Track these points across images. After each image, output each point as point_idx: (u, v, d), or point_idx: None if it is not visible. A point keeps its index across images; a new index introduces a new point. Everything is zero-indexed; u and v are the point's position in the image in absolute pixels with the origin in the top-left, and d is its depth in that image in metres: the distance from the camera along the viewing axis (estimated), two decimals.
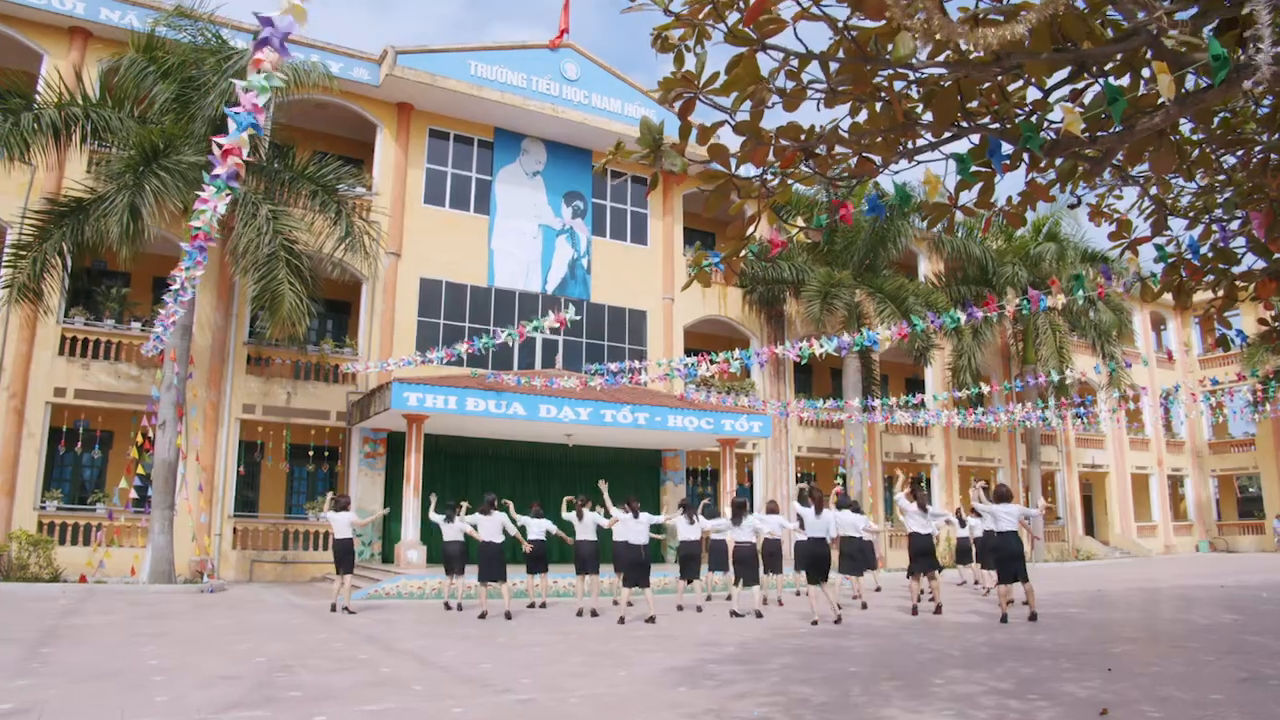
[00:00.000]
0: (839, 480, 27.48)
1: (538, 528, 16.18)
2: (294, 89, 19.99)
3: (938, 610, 14.15)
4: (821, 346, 13.05)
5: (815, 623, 12.83)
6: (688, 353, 28.55)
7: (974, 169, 4.95)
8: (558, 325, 13.68)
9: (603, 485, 14.77)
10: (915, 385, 33.64)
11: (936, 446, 31.94)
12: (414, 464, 20.11)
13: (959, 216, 5.60)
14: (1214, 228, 7.63)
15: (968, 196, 5.24)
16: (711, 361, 15.07)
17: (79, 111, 17.81)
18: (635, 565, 13.74)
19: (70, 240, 18.16)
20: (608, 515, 14.67)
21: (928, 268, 32.06)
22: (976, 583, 19.75)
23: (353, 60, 23.22)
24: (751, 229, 5.59)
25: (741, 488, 28.47)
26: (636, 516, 13.98)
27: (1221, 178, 7.55)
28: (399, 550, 19.89)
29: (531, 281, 24.90)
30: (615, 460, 25.13)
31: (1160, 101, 5.53)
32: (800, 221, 27.17)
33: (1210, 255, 7.43)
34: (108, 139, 18.73)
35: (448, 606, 15.59)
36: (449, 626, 12.80)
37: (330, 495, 17.48)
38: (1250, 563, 31.14)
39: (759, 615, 14.13)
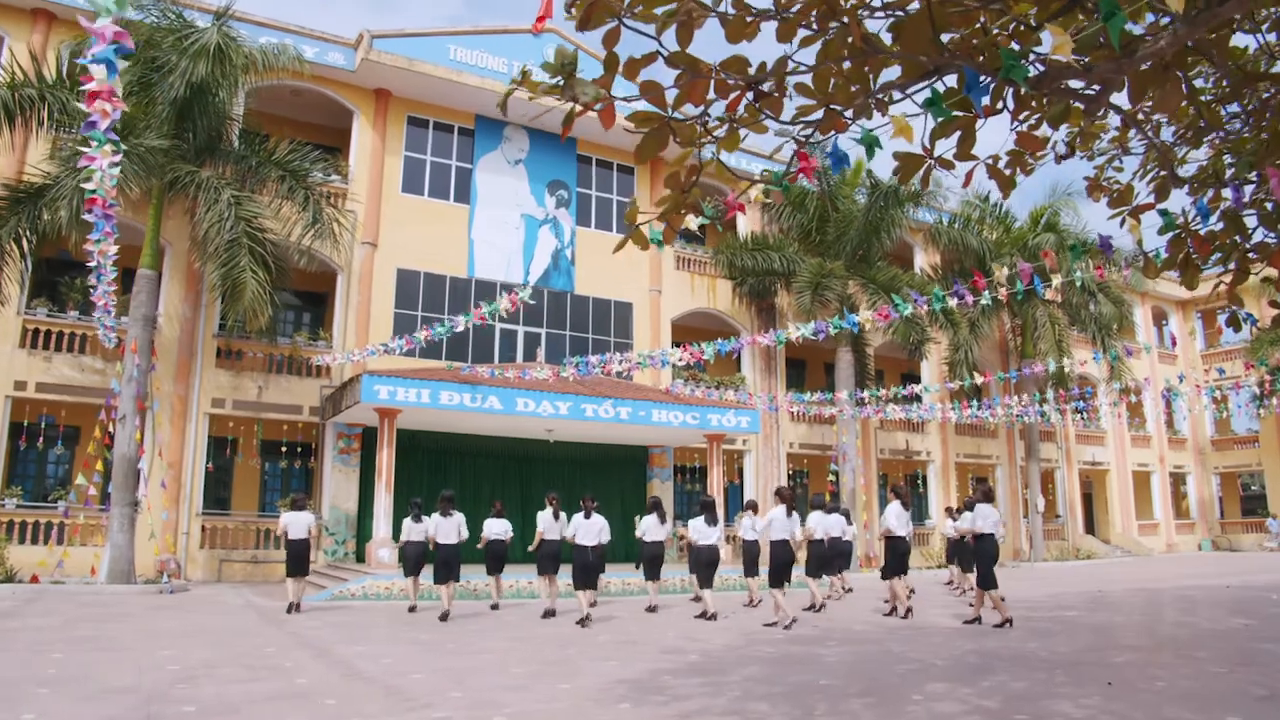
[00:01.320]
0: (832, 478, 26.46)
1: (499, 528, 15.24)
2: (263, 73, 19.10)
3: (906, 615, 13.18)
4: (799, 330, 12.05)
5: (789, 626, 11.84)
6: (675, 346, 27.58)
7: (951, 112, 4.04)
8: (510, 307, 12.69)
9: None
10: (912, 381, 32.48)
11: (933, 443, 30.88)
12: (386, 459, 19.11)
13: (952, 201, 4.66)
14: (1224, 193, 6.66)
15: (945, 147, 4.31)
16: (690, 359, 14.08)
17: (34, 94, 16.86)
18: (584, 568, 12.79)
19: (28, 227, 17.26)
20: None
21: (924, 260, 31.02)
22: (949, 582, 19.17)
23: (328, 45, 22.26)
24: (692, 180, 4.71)
25: (732, 485, 27.48)
26: (589, 517, 13.00)
27: (1233, 133, 6.58)
28: (370, 549, 18.87)
29: (513, 272, 23.91)
30: (600, 457, 24.13)
31: (1166, 22, 4.54)
32: (760, 188, 26.18)
33: (1219, 227, 6.49)
34: (66, 122, 17.78)
35: (413, 609, 14.67)
36: (401, 630, 11.81)
37: (293, 496, 16.50)
38: (1254, 562, 30.01)
39: (711, 618, 13.11)
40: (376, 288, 22.38)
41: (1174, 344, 32.75)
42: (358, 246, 22.22)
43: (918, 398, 28.15)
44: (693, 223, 5.45)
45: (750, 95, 4.25)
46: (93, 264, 11.49)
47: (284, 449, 21.39)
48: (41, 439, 19.46)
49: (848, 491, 25.17)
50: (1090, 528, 36.92)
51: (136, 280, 18.37)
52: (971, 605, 14.46)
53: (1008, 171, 4.88)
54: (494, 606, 15.19)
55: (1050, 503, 34.57)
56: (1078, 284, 28.65)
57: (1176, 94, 5.08)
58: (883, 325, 14.72)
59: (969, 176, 4.85)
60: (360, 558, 20.86)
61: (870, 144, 5.07)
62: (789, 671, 8.50)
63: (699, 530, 13.55)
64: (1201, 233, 6.43)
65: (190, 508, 20.10)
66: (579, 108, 3.91)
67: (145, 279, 18.34)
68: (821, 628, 12.11)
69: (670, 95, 4.20)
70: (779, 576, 12.24)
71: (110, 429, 18.02)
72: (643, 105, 4.13)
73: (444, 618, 13.14)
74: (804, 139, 4.68)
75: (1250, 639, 10.76)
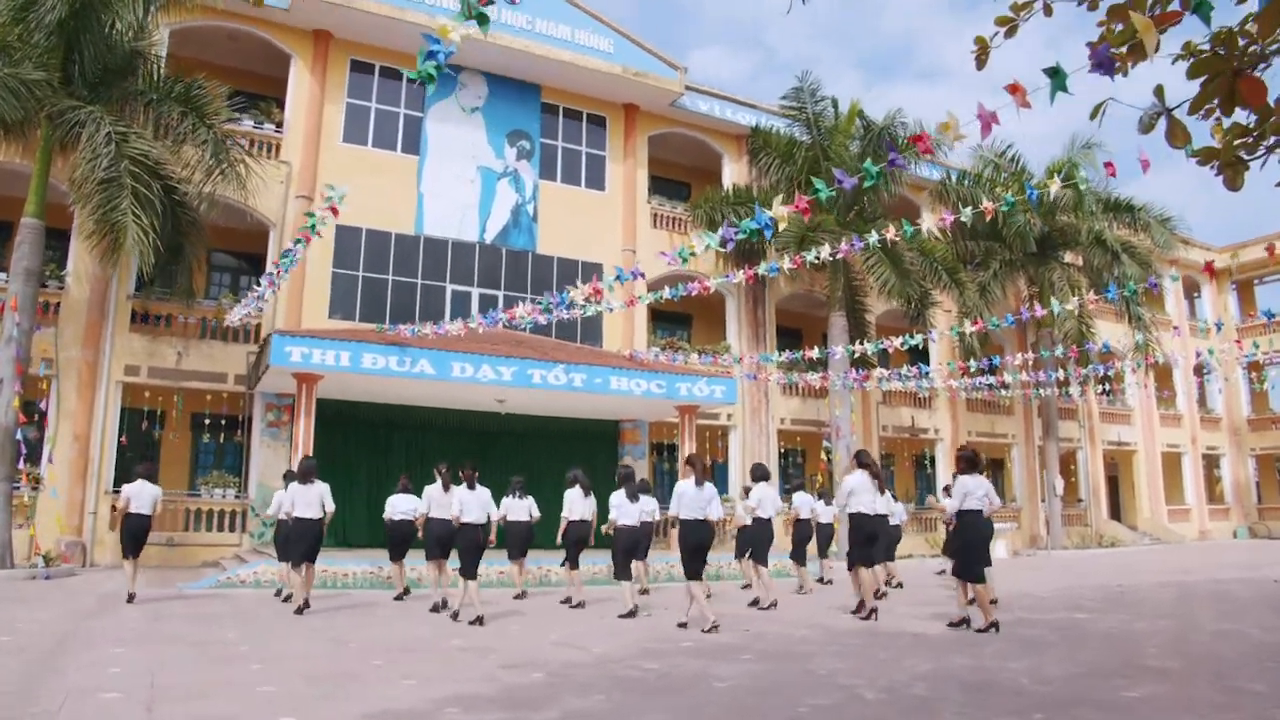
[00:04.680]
0: (825, 456, 23.36)
1: (405, 505, 12.46)
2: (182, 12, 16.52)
3: (870, 616, 10.18)
4: (706, 239, 9.07)
5: (713, 629, 8.90)
6: (653, 313, 24.58)
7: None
8: (331, 214, 9.89)
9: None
10: (920, 355, 29.21)
11: (942, 420, 27.56)
12: (303, 430, 16.34)
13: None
14: None
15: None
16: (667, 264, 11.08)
17: None
18: (472, 549, 9.97)
19: None
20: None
21: (931, 221, 27.60)
22: (942, 571, 16.14)
23: None
24: None
25: (718, 465, 24.45)
26: (473, 489, 10.18)
27: None
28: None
29: (467, 229, 20.99)
30: (564, 432, 21.19)
31: None
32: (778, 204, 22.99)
33: None
34: None
35: (279, 594, 12.05)
36: (214, 627, 8.90)
37: (140, 465, 13.65)
38: None
39: (632, 614, 10.29)
40: (313, 245, 19.45)
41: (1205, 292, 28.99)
42: (292, 200, 19.46)
43: (924, 355, 25.01)
44: None
45: None
46: None
47: (207, 421, 18.72)
48: None
49: (842, 470, 22.01)
50: (1115, 513, 33.32)
51: (19, 229, 15.81)
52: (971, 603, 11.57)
53: None
54: (398, 598, 12.46)
55: (1072, 485, 31.05)
56: (1103, 241, 25.28)
57: None
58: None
59: None
60: None
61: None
62: (649, 703, 5.57)
63: (617, 508, 10.67)
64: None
65: (99, 485, 17.48)
66: None
67: (29, 228, 15.75)
68: (753, 632, 9.13)
69: None
70: (690, 564, 9.33)
71: None
72: None
73: (300, 609, 10.44)
74: None
75: None
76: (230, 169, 16.33)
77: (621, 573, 10.54)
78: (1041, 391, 25.18)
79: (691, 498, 9.30)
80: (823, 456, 23.52)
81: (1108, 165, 8.85)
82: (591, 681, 6.43)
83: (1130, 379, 28.08)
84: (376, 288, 19.93)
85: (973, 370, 21.82)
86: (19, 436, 15.36)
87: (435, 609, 10.85)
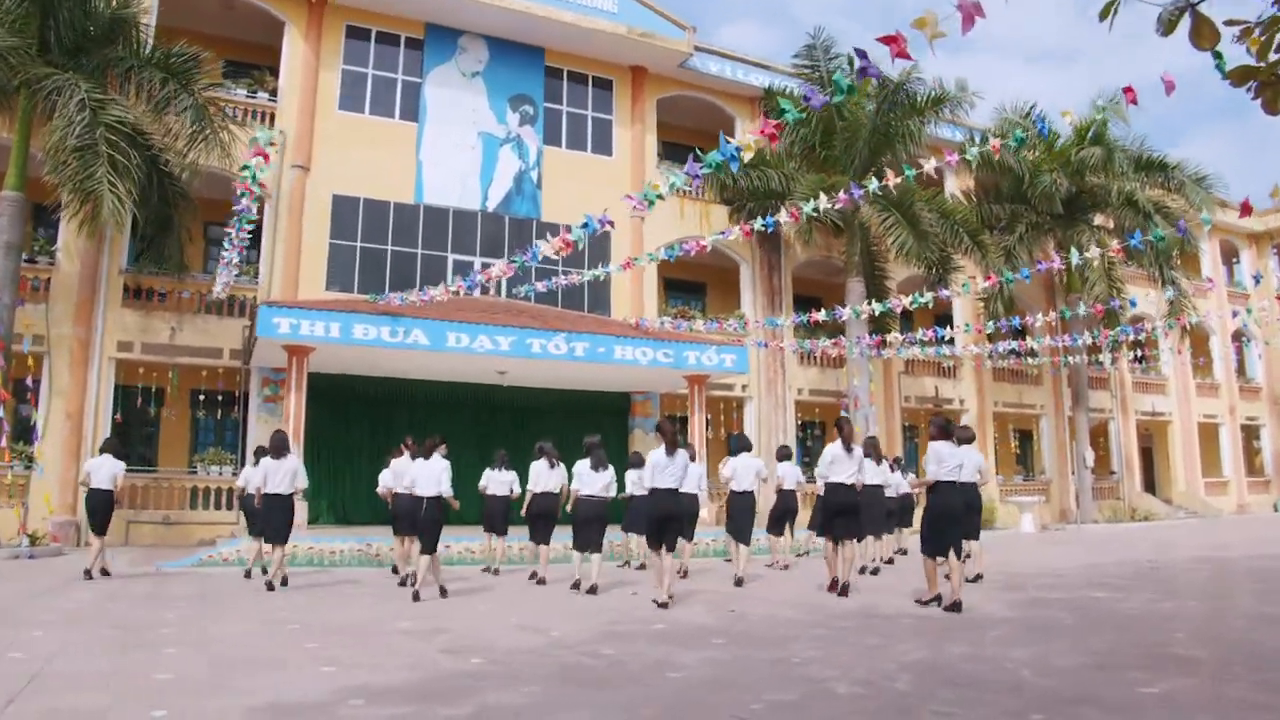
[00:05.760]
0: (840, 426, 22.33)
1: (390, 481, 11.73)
2: None
3: (840, 591, 9.37)
4: (668, 179, 8.15)
5: (666, 604, 8.16)
6: (665, 283, 23.68)
7: None
8: (563, 251, 9.49)
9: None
10: (945, 322, 28.04)
11: (967, 390, 26.39)
12: (294, 404, 15.75)
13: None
14: None
15: None
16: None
17: None
18: (427, 523, 9.29)
19: None
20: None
21: (955, 184, 26.42)
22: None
23: None
24: None
25: (735, 437, 23.49)
26: (428, 458, 9.43)
27: None
28: None
29: (469, 198, 20.14)
30: (571, 405, 20.39)
31: None
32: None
33: None
34: None
35: (248, 575, 11.39)
36: (178, 606, 8.21)
37: (106, 439, 13.10)
38: None
39: (593, 591, 9.59)
40: (309, 216, 18.86)
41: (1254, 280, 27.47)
42: (286, 170, 18.73)
43: (949, 323, 23.86)
44: None
45: None
46: None
47: (203, 398, 18.13)
48: None
49: (860, 442, 21.00)
50: (1150, 486, 31.96)
51: (0, 203, 15.20)
52: (968, 578, 10.73)
53: None
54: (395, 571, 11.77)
55: (1104, 458, 29.74)
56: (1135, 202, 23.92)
57: None
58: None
59: None
60: None
61: None
62: (571, 698, 4.74)
63: (580, 478, 9.89)
64: None
65: None
66: None
67: (9, 201, 15.16)
68: (738, 613, 8.28)
69: None
70: (659, 534, 8.57)
71: None
72: None
73: (271, 585, 9.86)
74: None
75: None
76: (213, 135, 15.58)
77: (582, 544, 9.76)
78: (1070, 359, 23.92)
79: (662, 467, 8.49)
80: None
81: (1127, 90, 7.77)
82: (529, 670, 5.61)
83: (1164, 344, 26.65)
84: (375, 258, 19.17)
85: (997, 331, 20.73)
86: (0, 414, 14.79)
87: (404, 584, 10.26)
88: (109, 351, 17.34)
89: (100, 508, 10.86)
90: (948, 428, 8.58)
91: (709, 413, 21.98)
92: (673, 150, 24.08)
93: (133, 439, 18.99)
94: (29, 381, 16.30)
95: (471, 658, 6.03)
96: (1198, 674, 5.38)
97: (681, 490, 8.86)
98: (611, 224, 9.55)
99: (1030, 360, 24.50)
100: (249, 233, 12.46)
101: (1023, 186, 24.40)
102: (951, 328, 22.15)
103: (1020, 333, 24.44)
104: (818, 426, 24.83)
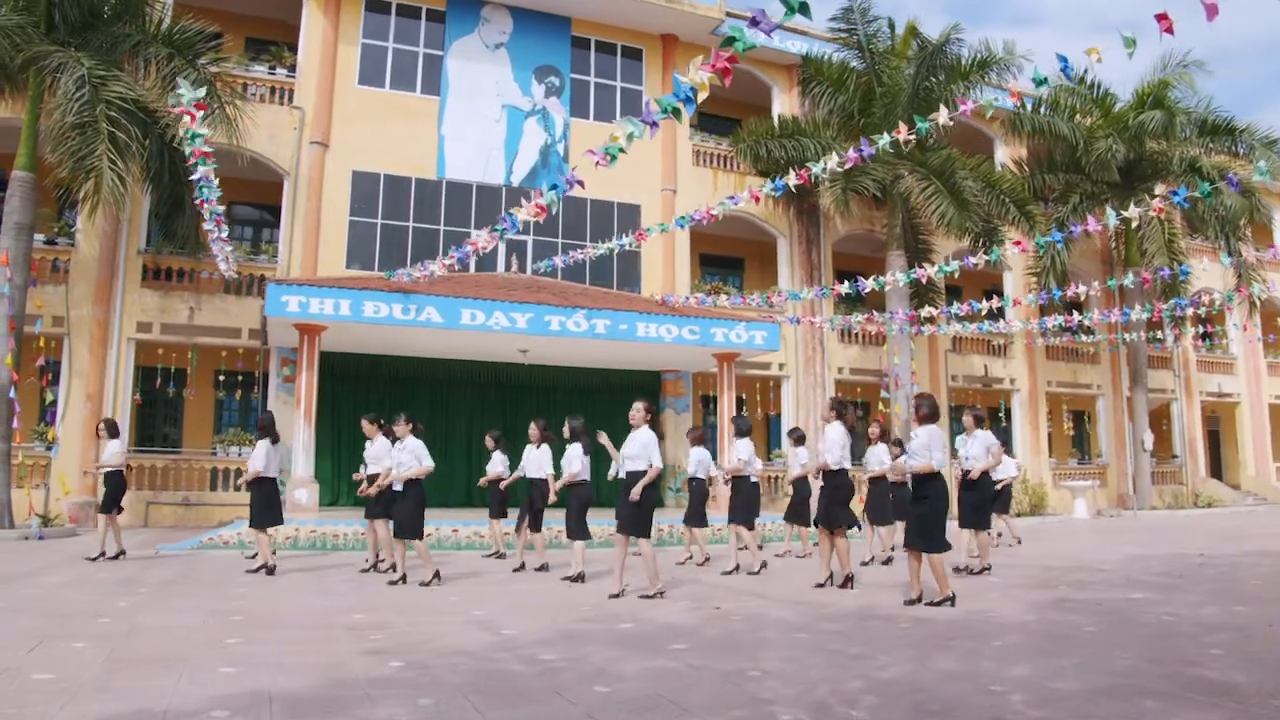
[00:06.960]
0: (883, 407, 21.31)
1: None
2: None
3: (844, 584, 8.65)
4: (626, 129, 7.25)
5: (617, 596, 7.51)
6: (701, 259, 22.77)
7: None
8: (537, 216, 8.82)
9: (603, 438, 9.31)
10: (995, 296, 26.63)
11: (1018, 369, 25.01)
12: (305, 383, 15.35)
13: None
14: None
15: None
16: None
17: None
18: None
19: None
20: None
21: (1005, 154, 24.96)
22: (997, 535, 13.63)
23: None
24: None
25: (772, 419, 22.62)
26: (395, 442, 8.79)
27: None
28: (287, 490, 15.11)
29: (493, 173, 19.47)
30: (598, 384, 19.72)
31: None
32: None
33: None
34: None
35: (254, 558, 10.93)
36: (141, 593, 7.68)
37: (105, 419, 12.81)
38: None
39: (577, 579, 8.98)
40: (328, 193, 18.37)
41: None
42: (306, 146, 18.25)
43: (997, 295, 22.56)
44: None
45: None
46: None
47: (222, 378, 17.81)
48: None
49: (901, 424, 19.97)
50: (1216, 470, 30.16)
51: (10, 183, 14.95)
52: (975, 567, 9.91)
53: None
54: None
55: (1165, 441, 28.09)
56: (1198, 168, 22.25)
57: None
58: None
59: None
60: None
61: None
62: (468, 715, 4.02)
63: (569, 462, 9.16)
64: None
65: None
66: None
67: (19, 181, 14.89)
68: (722, 610, 7.47)
69: None
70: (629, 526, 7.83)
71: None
72: None
73: (270, 570, 9.63)
74: None
75: None
76: (220, 111, 15.12)
77: (576, 532, 9.03)
78: (1127, 336, 22.43)
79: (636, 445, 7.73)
80: (880, 408, 21.45)
81: (1160, 17, 6.61)
82: (445, 677, 4.86)
83: (1230, 320, 24.91)
84: (396, 235, 18.63)
85: (1051, 303, 19.46)
86: (13, 395, 14.57)
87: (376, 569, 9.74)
88: (128, 332, 17.09)
89: (113, 487, 10.99)
90: (934, 411, 7.71)
91: (744, 392, 21.09)
92: (708, 121, 23.11)
93: (155, 420, 18.83)
94: (41, 362, 15.98)
95: (393, 660, 5.31)
96: (1226, 706, 4.35)
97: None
98: (581, 183, 8.72)
99: (1085, 338, 23.04)
100: (225, 202, 11.89)
101: (1076, 154, 22.89)
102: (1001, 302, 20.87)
103: (1075, 307, 23.02)
104: (859, 407, 23.73)
